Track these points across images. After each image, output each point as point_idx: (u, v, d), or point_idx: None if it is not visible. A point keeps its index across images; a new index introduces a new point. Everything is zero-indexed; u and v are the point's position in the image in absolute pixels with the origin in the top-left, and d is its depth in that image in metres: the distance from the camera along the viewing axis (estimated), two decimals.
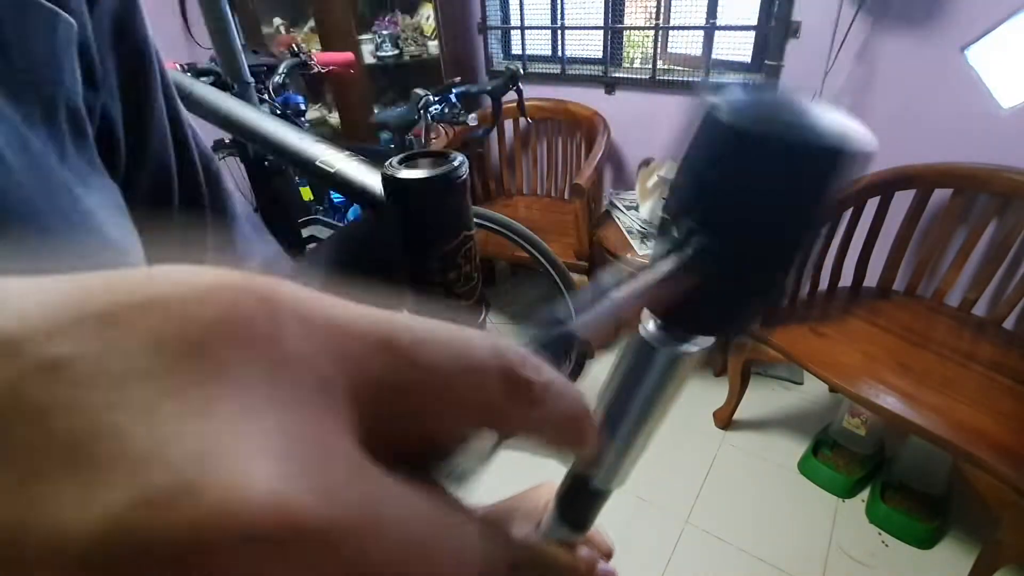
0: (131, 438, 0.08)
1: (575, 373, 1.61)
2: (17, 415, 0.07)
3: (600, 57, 2.06)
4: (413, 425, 0.12)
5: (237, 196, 0.34)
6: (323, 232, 1.57)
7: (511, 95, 1.59)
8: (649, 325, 0.20)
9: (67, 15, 0.20)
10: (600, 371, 1.78)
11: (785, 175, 0.17)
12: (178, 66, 1.27)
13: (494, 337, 0.13)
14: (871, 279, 1.60)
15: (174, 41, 2.45)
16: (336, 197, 1.91)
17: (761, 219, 0.18)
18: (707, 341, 0.20)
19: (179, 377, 0.08)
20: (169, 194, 0.28)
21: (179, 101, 0.29)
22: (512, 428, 0.13)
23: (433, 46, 2.20)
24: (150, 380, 0.08)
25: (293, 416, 0.09)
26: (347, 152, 0.49)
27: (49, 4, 0.20)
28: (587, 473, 0.23)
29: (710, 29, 1.80)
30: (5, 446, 0.07)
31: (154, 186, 0.27)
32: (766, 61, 1.70)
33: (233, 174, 2.25)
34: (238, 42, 0.86)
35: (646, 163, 1.95)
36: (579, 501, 0.25)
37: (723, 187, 0.18)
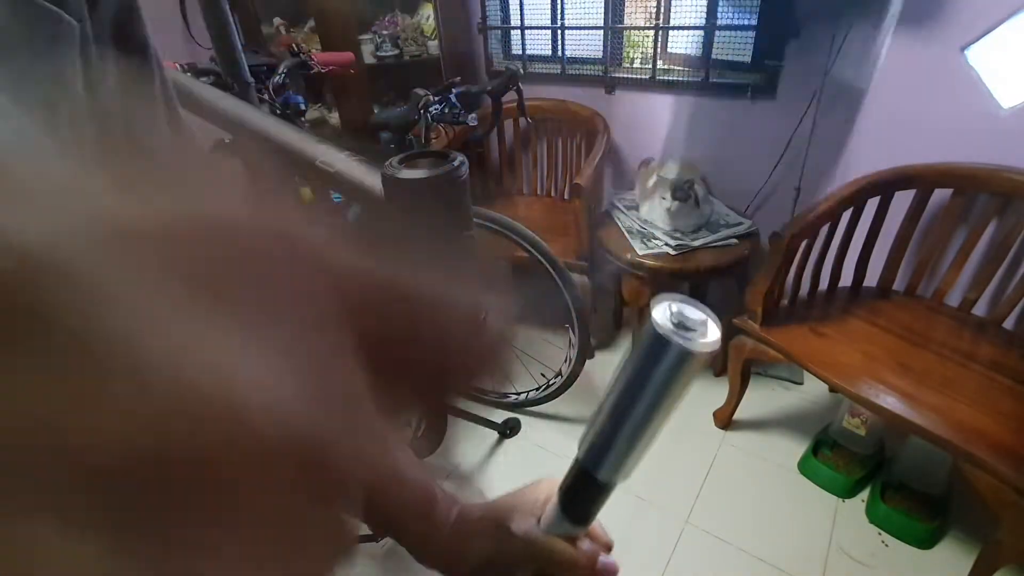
0: (143, 349, 0.08)
1: (574, 374, 1.61)
2: (32, 320, 0.08)
3: (600, 57, 2.05)
4: (416, 360, 0.13)
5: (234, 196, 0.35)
6: None
7: (511, 95, 1.59)
8: (662, 319, 0.20)
9: (70, 17, 0.20)
10: (596, 370, 1.78)
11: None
12: (178, 66, 1.27)
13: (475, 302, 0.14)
14: (871, 279, 1.60)
15: (174, 41, 2.45)
16: (336, 197, 1.90)
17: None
18: (717, 340, 0.20)
19: (201, 296, 0.09)
20: None
21: (178, 103, 0.29)
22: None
23: (433, 46, 2.20)
24: (165, 298, 0.09)
25: (296, 342, 0.10)
26: (347, 152, 0.49)
27: (51, 5, 0.20)
28: (592, 467, 0.23)
29: (710, 29, 1.80)
30: (33, 347, 0.08)
31: None
32: (766, 61, 1.71)
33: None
34: (238, 42, 0.86)
35: (646, 163, 1.95)
36: (583, 494, 0.26)
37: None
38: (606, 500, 0.25)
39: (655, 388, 0.21)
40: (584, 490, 0.25)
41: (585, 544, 0.28)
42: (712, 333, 0.20)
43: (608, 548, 0.30)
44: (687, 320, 0.20)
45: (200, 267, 0.09)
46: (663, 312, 0.20)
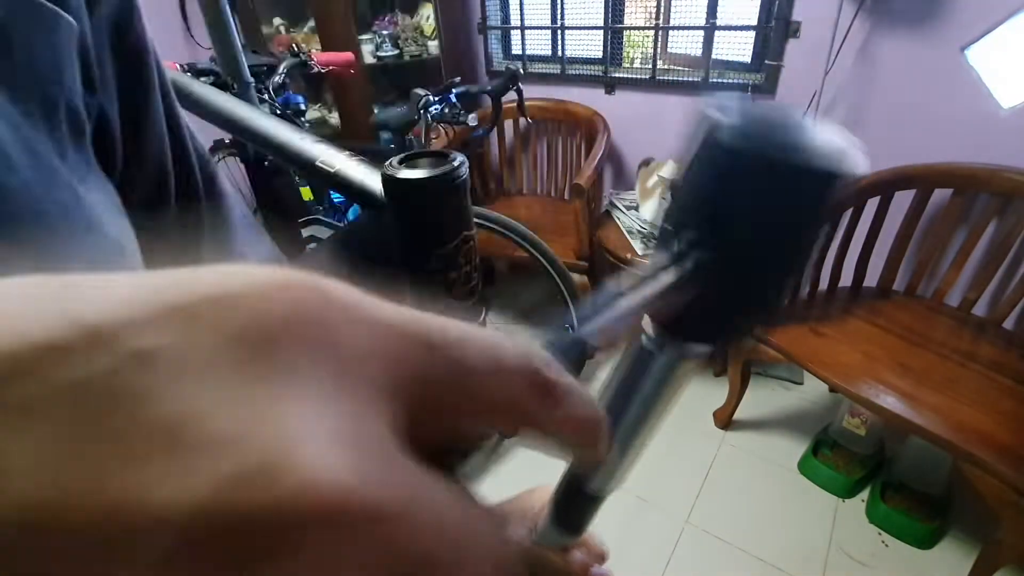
0: (217, 423, 0.08)
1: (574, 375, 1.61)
2: (115, 401, 0.08)
3: (600, 57, 2.05)
4: (444, 422, 0.13)
5: (234, 198, 0.35)
6: (323, 232, 1.57)
7: (511, 95, 1.59)
8: (648, 331, 0.20)
9: (69, 16, 0.20)
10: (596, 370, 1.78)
11: (782, 195, 0.18)
12: (178, 66, 1.27)
13: (521, 341, 0.14)
14: (871, 279, 1.60)
15: (174, 41, 2.45)
16: (336, 197, 1.90)
17: (759, 236, 0.19)
18: (704, 348, 0.20)
19: (255, 369, 0.09)
20: (166, 196, 0.29)
21: (177, 104, 0.29)
22: (534, 426, 0.14)
23: (433, 46, 2.20)
24: (230, 371, 0.09)
25: (352, 409, 0.10)
26: (347, 152, 0.49)
27: (51, 4, 0.20)
28: (583, 477, 0.23)
29: (710, 29, 1.80)
30: (106, 429, 0.08)
31: (151, 189, 0.28)
32: (766, 61, 1.71)
33: (233, 174, 2.25)
34: (238, 42, 0.86)
35: (646, 163, 1.95)
36: (574, 505, 0.26)
37: (722, 205, 0.19)
38: (598, 510, 0.25)
39: (644, 397, 0.21)
40: (575, 501, 0.25)
41: (578, 554, 0.28)
42: (700, 344, 0.20)
43: (602, 558, 0.30)
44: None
45: (251, 338, 0.09)
46: (650, 322, 0.20)
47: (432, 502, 0.11)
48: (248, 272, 0.10)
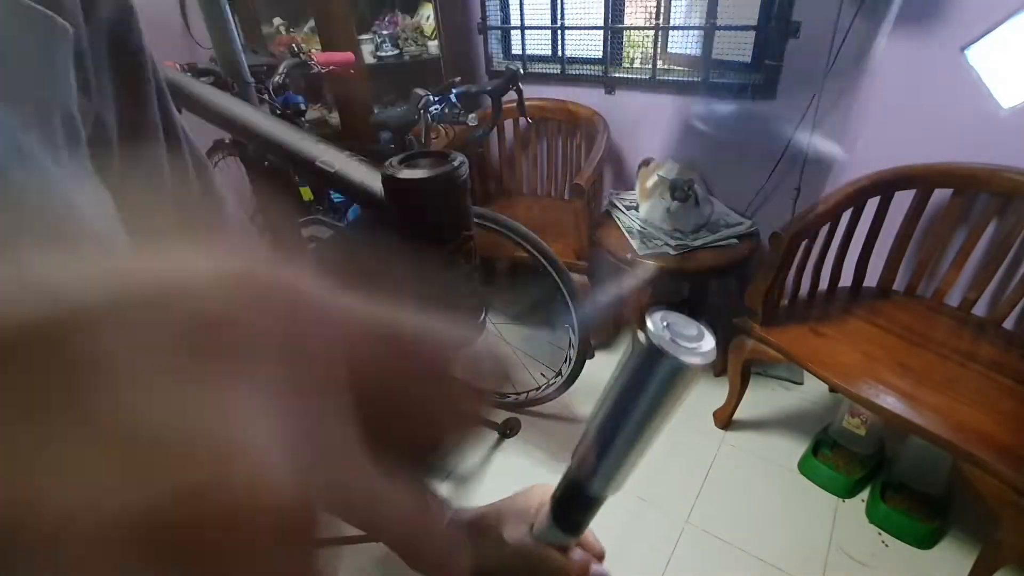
0: (163, 429, 0.08)
1: (574, 374, 1.61)
2: (65, 405, 0.08)
3: (600, 57, 2.05)
4: (418, 419, 0.13)
5: (228, 201, 0.34)
6: (323, 232, 1.57)
7: (511, 95, 1.59)
8: (657, 331, 0.20)
9: (64, 21, 0.20)
10: (596, 370, 1.78)
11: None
12: (178, 66, 1.27)
13: (495, 352, 0.14)
14: (871, 279, 1.60)
15: (174, 41, 2.45)
16: (336, 197, 1.90)
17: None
18: (712, 353, 0.20)
19: (204, 367, 0.09)
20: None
21: (174, 109, 0.29)
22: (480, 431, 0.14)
23: (433, 46, 2.20)
24: (177, 371, 0.09)
25: (305, 406, 0.10)
26: (347, 152, 0.49)
27: (46, 10, 0.20)
28: (583, 479, 0.23)
29: (710, 29, 1.80)
30: (53, 433, 0.08)
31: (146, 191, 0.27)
32: (766, 61, 1.70)
33: (233, 174, 2.25)
34: (238, 42, 0.86)
35: (646, 163, 1.95)
36: (574, 506, 0.26)
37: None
38: (597, 511, 0.25)
39: (648, 402, 0.20)
40: (576, 501, 0.25)
41: (577, 553, 0.28)
42: (707, 345, 0.20)
43: (600, 557, 0.30)
44: (681, 333, 0.20)
45: (204, 336, 0.09)
46: (657, 324, 0.20)
47: (381, 506, 0.11)
48: (206, 263, 0.10)
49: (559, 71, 2.14)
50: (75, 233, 0.20)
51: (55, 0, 0.20)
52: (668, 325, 0.20)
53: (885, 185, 1.47)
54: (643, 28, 1.98)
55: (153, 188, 0.28)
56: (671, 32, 1.91)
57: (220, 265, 0.10)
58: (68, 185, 0.20)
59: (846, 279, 1.60)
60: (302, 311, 0.10)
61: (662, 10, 1.84)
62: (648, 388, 0.20)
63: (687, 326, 0.20)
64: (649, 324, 0.20)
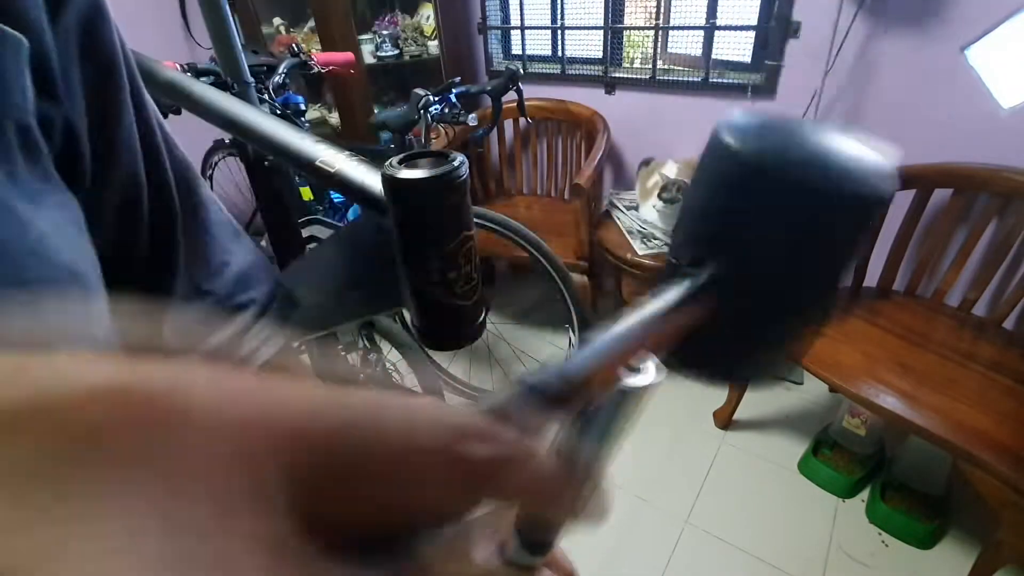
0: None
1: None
2: None
3: (600, 57, 2.05)
4: (365, 507, 0.11)
5: (214, 204, 0.34)
6: (323, 232, 1.57)
7: (511, 95, 1.59)
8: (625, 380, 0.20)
9: (16, 32, 0.20)
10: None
11: (802, 213, 0.17)
12: (178, 66, 1.27)
13: (444, 410, 0.12)
14: (871, 279, 1.60)
15: (174, 41, 2.45)
16: (336, 197, 1.90)
17: (775, 252, 0.17)
18: (657, 375, 0.20)
19: (53, 488, 0.08)
20: (138, 205, 0.28)
21: (152, 114, 0.29)
22: (466, 505, 0.12)
23: (433, 46, 2.20)
24: (20, 493, 0.08)
25: (185, 533, 0.09)
26: (347, 152, 0.49)
27: None
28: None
29: (710, 29, 1.80)
30: None
31: (123, 198, 0.27)
32: (766, 61, 1.70)
33: (233, 174, 2.25)
34: (238, 42, 0.86)
35: (646, 163, 1.95)
36: (537, 528, 0.25)
37: (738, 216, 0.18)
38: (561, 533, 0.25)
39: (600, 428, 0.20)
40: (535, 526, 0.25)
41: (547, 573, 0.28)
42: (649, 374, 0.19)
43: None
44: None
45: (55, 456, 0.08)
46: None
47: None
48: (76, 372, 0.09)
49: (559, 71, 2.14)
50: (25, 252, 0.19)
51: (4, 10, 0.19)
52: None
53: None
54: (643, 28, 1.98)
55: (129, 195, 0.27)
56: (671, 32, 1.91)
57: (89, 371, 0.09)
58: (24, 203, 0.19)
59: (846, 279, 1.60)
60: (187, 420, 0.09)
61: (662, 10, 1.84)
62: (595, 413, 0.20)
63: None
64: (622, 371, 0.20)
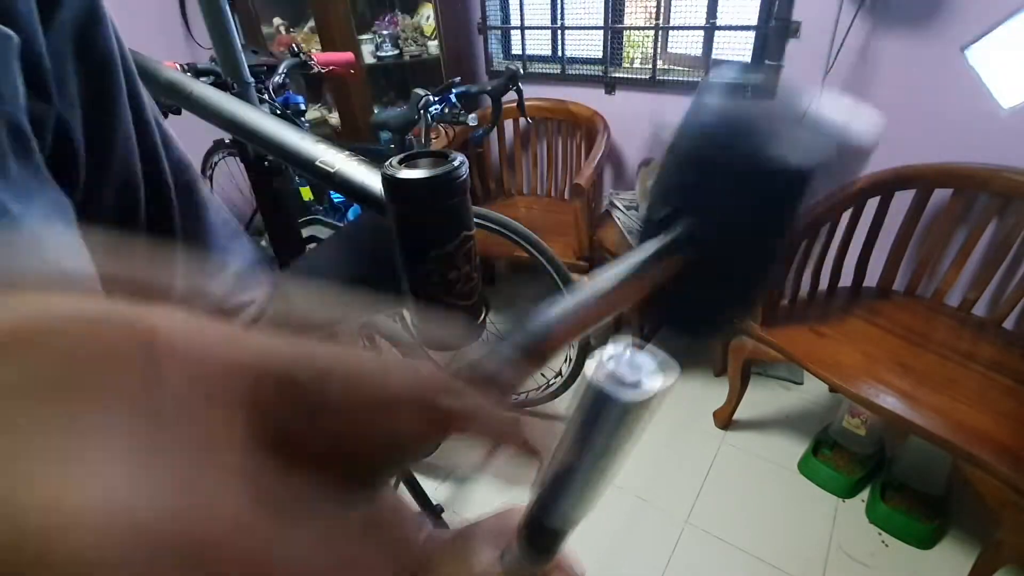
0: None
1: (574, 374, 1.61)
2: None
3: (600, 57, 2.05)
4: (339, 442, 0.12)
5: (214, 203, 0.34)
6: (323, 232, 1.58)
7: (511, 95, 1.59)
8: (602, 373, 0.20)
9: (7, 29, 0.20)
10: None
11: (753, 180, 0.19)
12: (178, 66, 1.27)
13: (414, 366, 0.13)
14: (871, 279, 1.60)
15: (174, 41, 2.45)
16: (336, 197, 1.91)
17: (737, 214, 0.19)
18: (660, 385, 0.20)
19: (41, 416, 0.08)
20: (135, 206, 0.28)
21: (150, 113, 0.29)
22: (431, 441, 0.13)
23: (433, 46, 2.20)
24: (7, 420, 0.08)
25: (161, 463, 0.09)
26: (347, 152, 0.49)
27: None
28: (542, 514, 0.23)
29: (710, 29, 1.80)
30: None
31: (119, 198, 0.27)
32: (766, 61, 1.70)
33: (233, 174, 2.25)
34: (238, 42, 0.86)
35: (646, 163, 1.95)
36: (539, 536, 0.25)
37: (706, 181, 0.19)
38: (565, 539, 0.25)
39: (599, 442, 0.20)
40: (539, 533, 0.25)
41: None
42: (655, 381, 0.19)
43: None
44: (628, 368, 0.19)
45: (41, 381, 0.08)
46: (601, 362, 0.20)
47: (260, 542, 0.09)
48: (58, 305, 0.09)
49: (559, 71, 2.14)
50: (19, 254, 0.19)
51: None
52: (615, 360, 0.19)
53: (885, 185, 1.47)
54: (643, 28, 1.98)
55: (125, 194, 0.27)
56: (671, 32, 1.91)
57: (71, 305, 0.09)
58: (13, 201, 0.19)
59: (846, 279, 1.60)
60: (167, 353, 0.10)
61: (662, 10, 1.84)
62: (596, 429, 0.20)
63: (637, 357, 0.20)
64: (591, 361, 0.20)
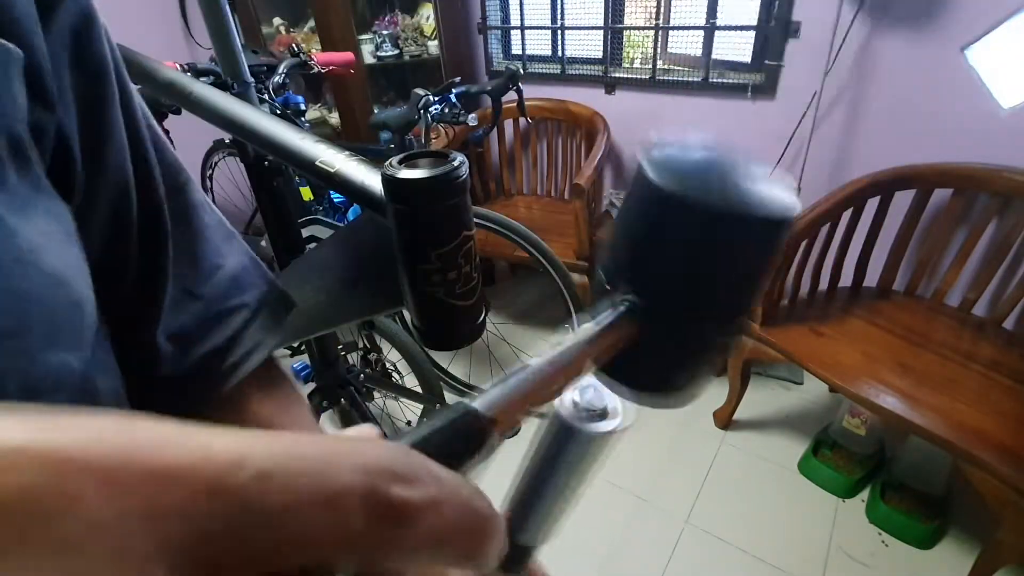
0: None
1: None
2: None
3: (600, 57, 2.05)
4: (278, 559, 0.10)
5: (207, 206, 0.34)
6: (323, 232, 1.57)
7: (511, 95, 1.59)
8: (567, 405, 0.21)
9: (9, 44, 0.20)
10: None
11: (706, 240, 0.18)
12: (178, 66, 1.27)
13: (365, 450, 0.11)
14: (871, 279, 1.60)
15: (174, 41, 2.45)
16: (336, 197, 1.91)
17: (688, 280, 0.19)
18: (625, 420, 0.21)
19: None
20: (128, 213, 0.28)
21: (141, 118, 0.29)
22: (388, 555, 0.11)
23: (433, 46, 2.20)
24: None
25: None
26: (347, 152, 0.49)
27: None
28: (512, 530, 0.24)
29: (710, 29, 1.80)
30: None
31: (113, 206, 0.27)
32: (766, 61, 1.70)
33: (233, 174, 2.25)
34: (238, 42, 0.86)
35: None
36: (508, 551, 0.26)
37: (651, 248, 0.19)
38: (533, 555, 0.26)
39: (566, 469, 0.22)
40: (508, 548, 0.26)
41: None
42: (616, 418, 0.21)
43: None
44: (593, 401, 0.21)
45: None
46: (568, 395, 0.21)
47: None
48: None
49: (559, 71, 2.14)
50: (10, 260, 0.19)
51: None
52: (581, 396, 0.21)
53: (885, 185, 1.47)
54: (643, 28, 1.98)
55: (119, 200, 0.27)
56: (671, 32, 1.91)
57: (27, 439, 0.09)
58: (12, 213, 0.19)
59: (846, 279, 1.60)
60: (87, 484, 0.09)
61: (662, 10, 1.84)
62: (566, 456, 0.21)
63: (601, 397, 0.21)
64: (561, 397, 0.21)
